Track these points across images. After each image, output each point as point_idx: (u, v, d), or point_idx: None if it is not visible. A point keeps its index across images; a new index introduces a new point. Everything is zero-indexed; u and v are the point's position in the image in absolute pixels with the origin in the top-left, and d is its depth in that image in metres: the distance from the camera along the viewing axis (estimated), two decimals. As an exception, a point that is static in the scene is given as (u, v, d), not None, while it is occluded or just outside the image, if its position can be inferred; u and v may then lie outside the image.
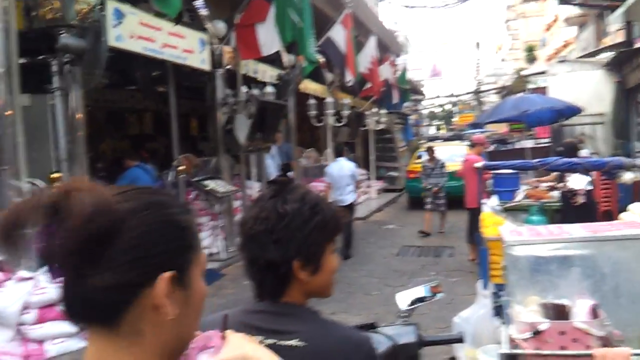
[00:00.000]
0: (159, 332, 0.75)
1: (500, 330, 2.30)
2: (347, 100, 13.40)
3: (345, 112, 13.01)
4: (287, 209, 1.22)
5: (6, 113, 5.05)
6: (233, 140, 8.70)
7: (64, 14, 5.49)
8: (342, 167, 8.64)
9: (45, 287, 4.97)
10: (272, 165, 10.77)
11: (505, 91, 27.70)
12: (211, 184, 8.18)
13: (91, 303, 0.72)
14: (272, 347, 1.12)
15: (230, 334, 0.85)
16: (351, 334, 1.22)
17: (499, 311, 2.69)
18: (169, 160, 8.45)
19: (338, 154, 9.27)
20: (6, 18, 5.10)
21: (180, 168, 7.78)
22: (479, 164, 5.28)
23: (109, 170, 8.68)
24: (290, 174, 10.60)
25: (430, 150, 10.68)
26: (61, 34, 5.45)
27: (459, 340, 2.04)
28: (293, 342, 1.14)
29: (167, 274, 0.74)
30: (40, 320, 4.88)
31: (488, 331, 3.02)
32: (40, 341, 4.87)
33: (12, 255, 0.70)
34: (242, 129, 8.67)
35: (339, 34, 11.90)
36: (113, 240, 0.70)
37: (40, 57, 5.71)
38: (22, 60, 5.36)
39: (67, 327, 4.94)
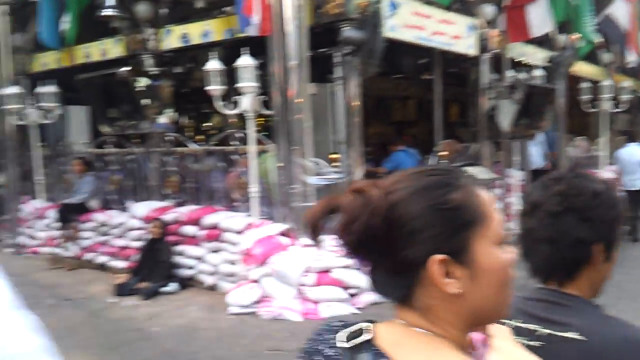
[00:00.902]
0: (448, 307, 0.80)
1: None
2: (627, 83, 11.86)
3: (625, 97, 11.54)
4: (600, 188, 1.18)
5: (297, 101, 5.78)
6: (495, 126, 8.48)
7: (345, 8, 6.00)
8: (632, 153, 9.10)
9: (323, 255, 5.59)
10: (536, 154, 10.17)
11: None
12: (471, 171, 8.11)
13: (385, 284, 0.84)
14: (547, 338, 1.12)
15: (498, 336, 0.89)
16: (638, 335, 1.11)
17: None
18: (429, 145, 8.64)
19: (630, 139, 9.67)
20: (299, 16, 5.81)
21: (442, 153, 7.89)
22: None
23: (376, 154, 9.26)
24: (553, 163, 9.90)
25: None
26: (343, 27, 5.98)
27: None
28: (571, 335, 1.10)
29: (437, 257, 0.77)
30: (318, 283, 5.51)
31: None
32: (316, 302, 5.50)
33: (314, 237, 0.83)
34: (505, 115, 8.39)
35: (620, 10, 10.57)
36: (392, 230, 0.78)
37: (324, 49, 6.35)
38: (309, 54, 6.03)
39: (340, 292, 5.50)
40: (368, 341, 0.80)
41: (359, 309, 5.45)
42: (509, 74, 8.63)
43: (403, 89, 11.70)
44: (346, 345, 0.81)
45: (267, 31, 5.87)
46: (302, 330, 5.02)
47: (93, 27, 8.07)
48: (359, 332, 0.82)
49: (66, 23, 7.51)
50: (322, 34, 6.26)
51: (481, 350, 0.87)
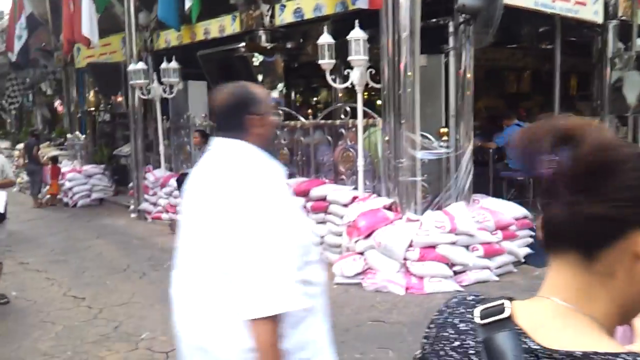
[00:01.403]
0: (629, 283, 0.73)
1: None
2: None
3: None
4: None
5: (407, 74, 5.69)
6: (621, 100, 7.83)
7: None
8: None
9: (428, 229, 5.54)
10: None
11: None
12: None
13: (576, 230, 0.74)
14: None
15: None
16: None
17: None
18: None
19: None
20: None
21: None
22: None
23: (484, 128, 8.92)
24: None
25: None
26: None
27: None
28: None
29: None
30: (422, 259, 5.47)
31: None
32: (421, 277, 5.47)
33: (531, 168, 0.76)
34: (633, 87, 7.73)
35: None
36: (614, 175, 0.72)
37: (437, 19, 6.16)
38: (421, 24, 5.89)
39: (444, 269, 5.43)
40: (507, 319, 0.75)
41: (463, 286, 5.36)
42: (639, 42, 7.91)
43: (518, 60, 11.10)
44: (483, 321, 0.76)
45: (378, 3, 5.80)
46: (405, 304, 5.04)
47: (212, 5, 8.43)
48: (497, 309, 0.76)
49: (189, 2, 7.88)
50: (434, 3, 6.08)
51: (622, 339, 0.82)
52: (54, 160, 11.71)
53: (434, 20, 6.20)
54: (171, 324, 4.83)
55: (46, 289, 5.55)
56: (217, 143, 1.80)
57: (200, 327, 1.71)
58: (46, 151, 12.65)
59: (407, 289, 5.39)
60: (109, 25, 10.50)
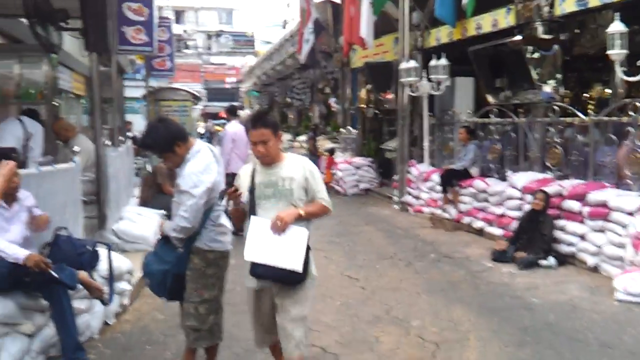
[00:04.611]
0: None
1: None
2: None
3: None
4: None
5: None
6: None
7: None
8: None
9: None
10: None
11: None
12: None
13: None
14: None
15: None
16: None
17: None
18: None
19: None
20: None
21: None
22: None
23: None
24: None
25: None
26: None
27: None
28: None
29: None
30: None
31: None
32: None
33: None
34: None
35: None
36: None
37: None
38: None
39: None
40: None
41: None
42: None
43: None
44: None
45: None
46: None
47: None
48: None
49: (465, -1, 7.92)
50: None
51: None
52: (331, 152, 12.98)
53: None
54: (439, 315, 4.99)
55: (325, 267, 6.19)
56: None
57: None
58: (322, 144, 14.07)
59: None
60: (382, 26, 11.14)
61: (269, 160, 2.97)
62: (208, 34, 45.50)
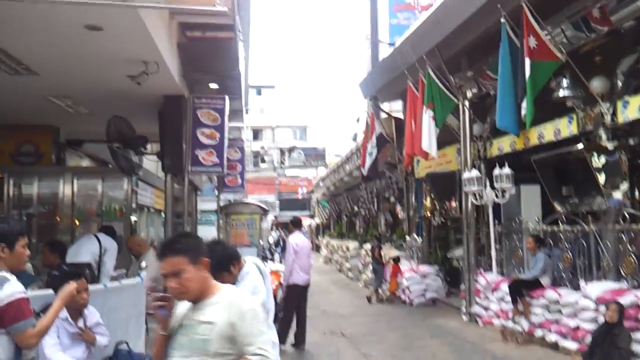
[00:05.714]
0: None
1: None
2: None
3: None
4: None
5: None
6: None
7: None
8: None
9: None
10: None
11: None
12: None
13: None
14: None
15: None
16: None
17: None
18: None
19: None
20: None
21: None
22: None
23: None
24: None
25: None
26: None
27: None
28: None
29: None
30: None
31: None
32: None
33: None
34: None
35: None
36: None
37: None
38: None
39: None
40: None
41: None
42: None
43: None
44: None
45: None
46: None
47: (545, 108, 8.43)
48: None
49: (524, 109, 8.10)
50: None
51: None
52: (396, 260, 12.89)
53: None
54: None
55: (387, 383, 6.01)
56: None
57: None
58: (388, 252, 14.02)
59: None
60: (444, 137, 11.43)
61: (188, 298, 2.36)
62: (281, 150, 48.03)
